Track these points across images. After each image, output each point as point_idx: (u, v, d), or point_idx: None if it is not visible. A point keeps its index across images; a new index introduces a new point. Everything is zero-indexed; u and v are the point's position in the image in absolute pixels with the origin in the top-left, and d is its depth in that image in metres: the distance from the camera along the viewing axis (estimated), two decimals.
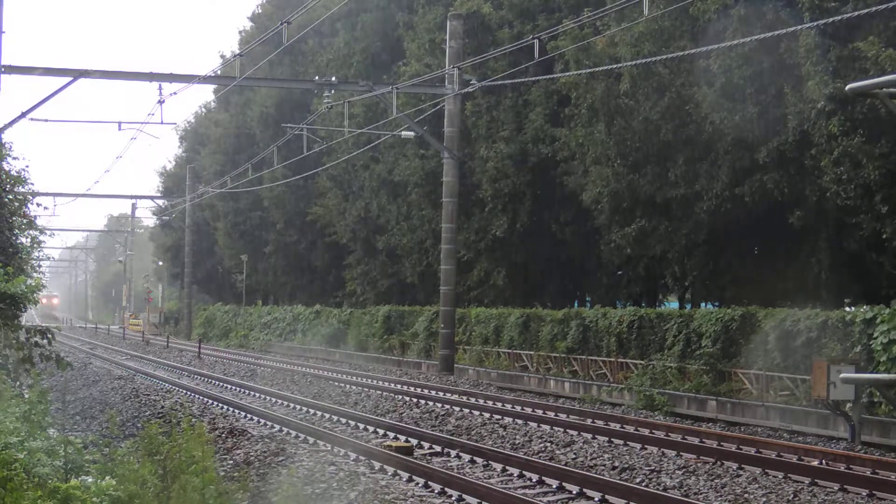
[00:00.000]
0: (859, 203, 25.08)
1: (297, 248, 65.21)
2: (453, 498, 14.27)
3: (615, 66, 29.94)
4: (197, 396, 28.93)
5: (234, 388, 32.44)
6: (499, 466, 16.84)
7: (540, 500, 14.03)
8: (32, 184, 29.36)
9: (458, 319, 40.59)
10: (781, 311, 26.44)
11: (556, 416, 24.07)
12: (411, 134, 40.46)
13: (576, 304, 42.19)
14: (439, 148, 39.20)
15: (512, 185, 39.40)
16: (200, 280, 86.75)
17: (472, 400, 27.66)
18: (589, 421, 23.05)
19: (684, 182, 30.55)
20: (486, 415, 24.21)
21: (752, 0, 27.00)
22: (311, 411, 25.17)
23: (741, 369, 27.06)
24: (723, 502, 14.28)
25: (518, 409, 25.58)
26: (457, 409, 25.36)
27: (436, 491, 14.72)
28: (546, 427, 22.04)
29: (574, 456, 17.99)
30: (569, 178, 36.45)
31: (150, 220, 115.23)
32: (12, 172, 26.18)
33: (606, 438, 20.21)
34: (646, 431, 21.24)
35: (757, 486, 15.31)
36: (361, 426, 22.14)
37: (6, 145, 27.68)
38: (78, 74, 34.83)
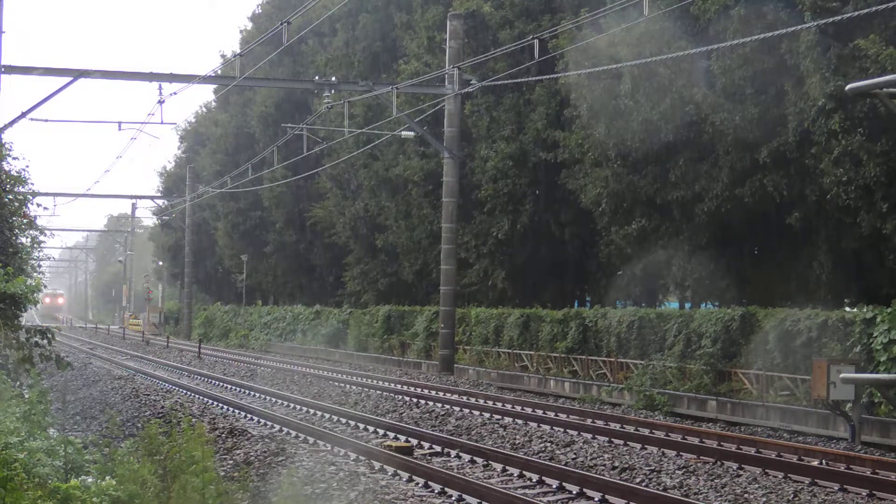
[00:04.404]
0: (860, 203, 25.07)
1: (297, 248, 65.22)
2: (453, 498, 14.26)
3: (615, 65, 29.94)
4: (197, 396, 28.92)
5: (234, 388, 32.42)
6: (499, 466, 16.84)
7: (540, 500, 14.02)
8: (32, 184, 29.38)
9: (458, 319, 40.57)
10: (781, 311, 26.43)
11: (556, 416, 24.06)
12: (411, 134, 40.47)
13: (576, 304, 42.17)
14: (439, 148, 39.19)
15: (512, 185, 39.41)
16: (200, 280, 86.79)
17: (472, 400, 27.65)
18: (589, 421, 23.04)
19: (684, 183, 30.55)
20: (486, 415, 24.21)
21: (753, 0, 27.00)
22: (311, 411, 25.16)
23: (741, 369, 27.04)
24: (723, 502, 14.27)
25: (518, 409, 25.57)
26: (457, 409, 25.36)
27: (436, 491, 14.71)
28: (546, 427, 22.04)
29: (574, 456, 17.98)
30: (569, 179, 36.45)
31: (150, 220, 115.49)
32: (12, 172, 26.21)
33: (606, 438, 20.20)
34: (646, 431, 21.24)
35: (757, 486, 15.30)
36: (361, 426, 22.14)
37: (6, 145, 27.67)
38: (78, 74, 34.81)
